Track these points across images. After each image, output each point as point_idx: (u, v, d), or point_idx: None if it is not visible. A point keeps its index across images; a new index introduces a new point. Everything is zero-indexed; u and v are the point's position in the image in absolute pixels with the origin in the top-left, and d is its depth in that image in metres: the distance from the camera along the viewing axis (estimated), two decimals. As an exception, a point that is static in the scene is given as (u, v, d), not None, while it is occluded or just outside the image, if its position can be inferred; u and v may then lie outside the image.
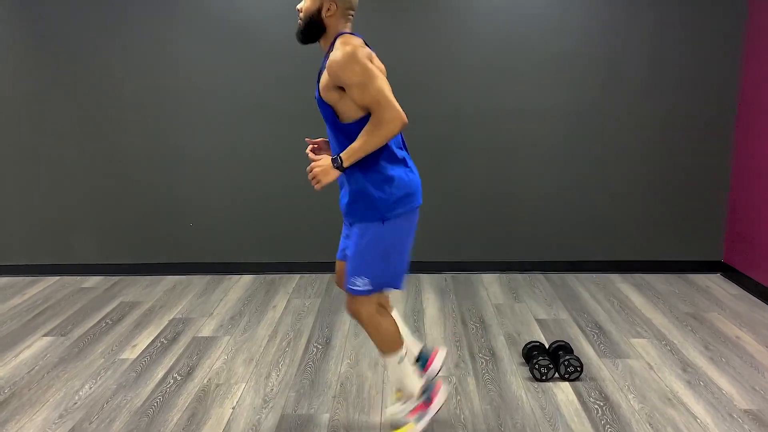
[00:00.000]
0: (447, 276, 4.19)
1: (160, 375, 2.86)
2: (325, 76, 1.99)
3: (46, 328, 3.41)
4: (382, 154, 2.03)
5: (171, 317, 3.54)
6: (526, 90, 3.98)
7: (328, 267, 4.26)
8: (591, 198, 4.13)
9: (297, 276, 4.22)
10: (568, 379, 2.77)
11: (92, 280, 4.19)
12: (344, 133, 2.01)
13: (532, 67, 3.95)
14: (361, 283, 2.11)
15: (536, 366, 2.76)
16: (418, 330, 3.33)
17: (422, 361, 2.44)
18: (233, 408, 2.56)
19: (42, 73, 4.02)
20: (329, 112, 2.01)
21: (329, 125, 2.06)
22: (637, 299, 3.71)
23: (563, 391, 2.68)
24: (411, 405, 2.27)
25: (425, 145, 4.05)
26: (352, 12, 2.05)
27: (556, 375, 2.80)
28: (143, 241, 4.24)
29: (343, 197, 2.15)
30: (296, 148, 4.00)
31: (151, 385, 2.77)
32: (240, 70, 3.99)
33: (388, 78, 2.07)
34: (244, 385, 2.76)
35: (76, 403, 2.62)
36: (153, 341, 3.22)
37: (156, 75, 4.00)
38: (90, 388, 2.75)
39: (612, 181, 4.10)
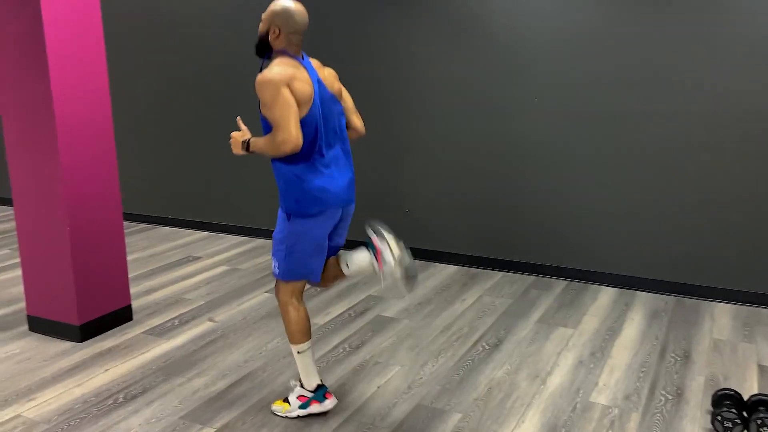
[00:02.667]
0: (669, 298, 3.69)
1: (334, 344, 3.12)
2: None
3: (270, 286, 3.97)
4: (299, 160, 2.21)
5: (369, 293, 3.81)
6: (791, 86, 3.25)
7: (530, 268, 4.10)
8: None
9: (499, 274, 4.15)
10: (762, 443, 2.24)
11: (323, 252, 4.71)
12: None
13: (802, 59, 3.20)
14: (274, 266, 2.35)
15: (719, 417, 2.30)
16: (601, 350, 3.02)
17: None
18: (378, 387, 2.69)
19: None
20: (265, 123, 2.22)
21: (265, 133, 2.25)
22: None
23: (750, 456, 2.19)
24: (301, 391, 2.43)
25: (656, 146, 3.60)
26: (295, 36, 2.23)
27: (747, 434, 2.29)
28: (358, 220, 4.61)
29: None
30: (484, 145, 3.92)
31: (323, 350, 3.05)
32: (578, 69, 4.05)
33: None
34: (398, 368, 2.86)
35: (261, 353, 3.02)
36: (343, 312, 3.52)
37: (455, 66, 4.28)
38: (277, 343, 3.14)
39: None
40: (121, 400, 2.60)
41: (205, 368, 2.87)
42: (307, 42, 4.36)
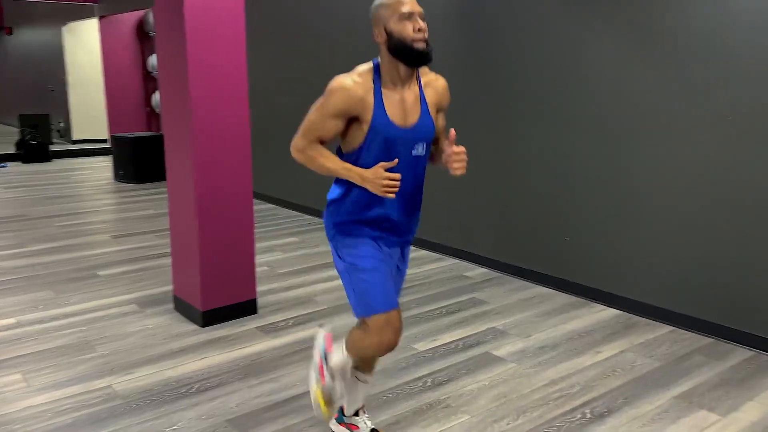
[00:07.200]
0: None
1: (419, 374, 2.88)
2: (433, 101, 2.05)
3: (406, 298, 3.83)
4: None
5: (492, 326, 3.45)
6: None
7: (707, 328, 3.29)
8: None
9: (666, 328, 3.41)
10: None
11: (476, 271, 4.42)
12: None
13: None
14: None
15: None
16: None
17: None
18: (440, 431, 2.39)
19: (477, 75, 4.39)
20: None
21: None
22: None
23: None
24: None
25: None
26: None
27: None
28: (526, 245, 4.20)
29: (413, 215, 2.08)
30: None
31: (404, 380, 2.82)
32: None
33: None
34: (466, 418, 2.51)
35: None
36: (450, 342, 3.24)
37: (569, 83, 3.81)
38: (365, 362, 3.00)
39: None
40: (193, 390, 2.73)
41: (283, 374, 2.88)
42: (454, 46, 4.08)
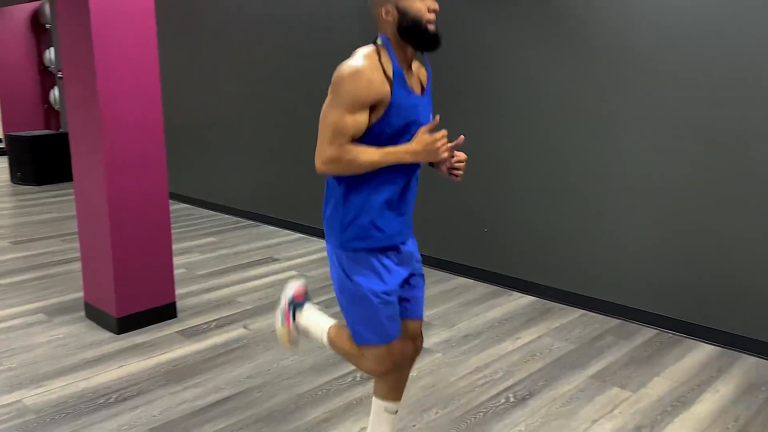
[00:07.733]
0: (783, 368, 2.91)
1: (345, 371, 2.88)
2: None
3: (318, 299, 3.82)
4: None
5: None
6: None
7: (614, 309, 3.49)
8: None
9: (578, 312, 3.60)
10: None
11: (398, 265, 4.46)
12: None
13: None
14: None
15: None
16: (653, 425, 2.44)
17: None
18: (361, 429, 2.41)
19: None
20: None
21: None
22: None
23: None
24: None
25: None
26: None
27: None
28: (446, 237, 4.29)
29: (406, 219, 1.92)
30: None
31: (332, 376, 2.82)
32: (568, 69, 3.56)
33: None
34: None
35: (269, 370, 2.89)
36: (377, 336, 3.26)
37: (495, 79, 3.92)
38: (291, 361, 2.98)
39: None
40: (111, 401, 2.61)
41: (207, 378, 2.80)
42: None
